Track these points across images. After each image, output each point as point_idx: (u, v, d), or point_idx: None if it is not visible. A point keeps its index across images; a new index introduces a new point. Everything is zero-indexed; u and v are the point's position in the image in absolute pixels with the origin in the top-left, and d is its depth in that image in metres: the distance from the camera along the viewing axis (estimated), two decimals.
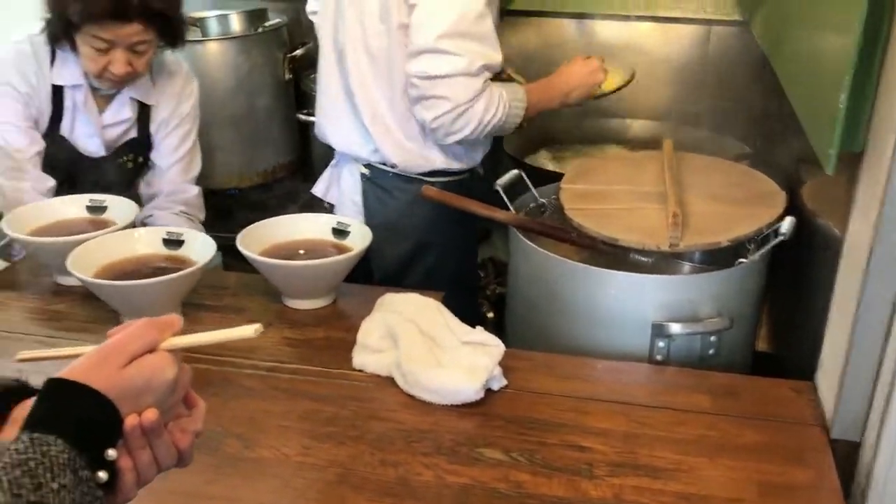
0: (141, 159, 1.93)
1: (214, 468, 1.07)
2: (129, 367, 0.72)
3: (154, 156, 1.95)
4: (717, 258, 1.51)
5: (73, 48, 1.71)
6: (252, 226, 1.49)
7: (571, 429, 1.16)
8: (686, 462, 1.09)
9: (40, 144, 1.80)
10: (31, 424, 0.65)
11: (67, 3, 1.63)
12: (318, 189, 1.95)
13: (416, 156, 1.74)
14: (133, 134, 1.89)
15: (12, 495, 0.59)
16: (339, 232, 1.53)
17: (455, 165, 1.78)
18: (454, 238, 1.83)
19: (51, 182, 1.80)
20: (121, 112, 1.85)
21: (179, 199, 1.95)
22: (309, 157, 2.61)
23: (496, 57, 1.60)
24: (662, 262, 1.51)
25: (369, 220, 1.79)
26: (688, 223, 1.43)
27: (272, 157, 2.51)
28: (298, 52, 2.48)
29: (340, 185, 1.88)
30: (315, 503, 1.02)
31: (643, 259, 1.48)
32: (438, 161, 1.75)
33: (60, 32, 1.69)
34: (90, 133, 1.84)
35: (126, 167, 1.91)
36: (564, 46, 2.43)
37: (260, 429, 1.16)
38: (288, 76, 2.47)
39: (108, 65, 1.69)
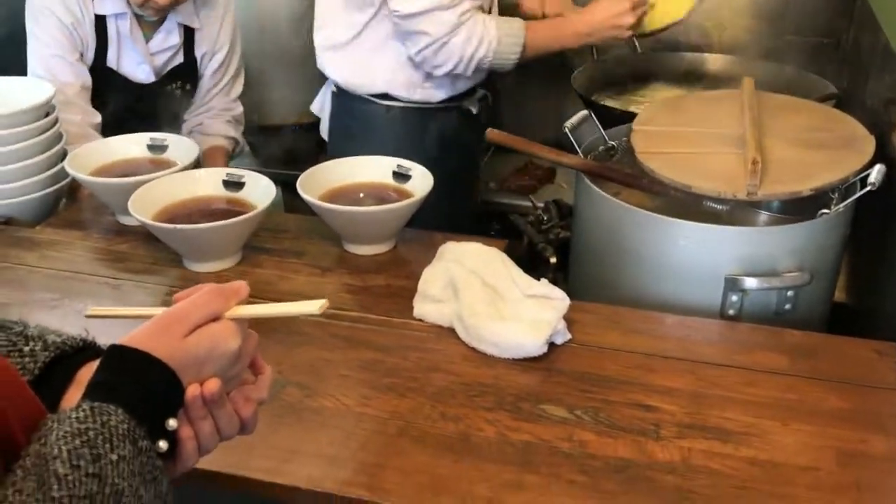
0: (189, 86, 1.94)
1: (275, 417, 1.07)
2: (192, 336, 0.70)
3: (200, 83, 1.97)
4: (796, 207, 1.43)
5: None
6: (312, 169, 1.46)
7: (637, 387, 1.12)
8: (758, 425, 1.05)
9: (87, 78, 1.80)
10: (91, 392, 0.64)
11: None
12: (315, 106, 1.99)
13: (361, 75, 1.77)
14: (179, 59, 1.89)
15: (71, 466, 0.58)
16: (400, 175, 1.49)
17: (404, 94, 1.77)
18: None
19: (98, 118, 1.82)
20: (168, 38, 1.85)
21: (227, 114, 2.01)
22: None
23: None
24: (737, 210, 1.44)
25: (330, 137, 1.90)
26: (767, 169, 1.34)
27: None
28: None
29: (323, 102, 1.95)
30: (376, 456, 1.01)
31: (717, 207, 1.41)
32: (380, 83, 1.77)
33: None
34: (138, 61, 1.84)
35: (175, 95, 1.91)
36: None
37: (320, 377, 1.15)
38: None
39: None
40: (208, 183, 1.46)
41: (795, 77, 1.99)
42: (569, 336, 1.19)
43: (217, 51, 1.94)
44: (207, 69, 1.95)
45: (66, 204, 1.70)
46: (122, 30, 1.79)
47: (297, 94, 2.38)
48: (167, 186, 1.43)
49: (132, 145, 1.62)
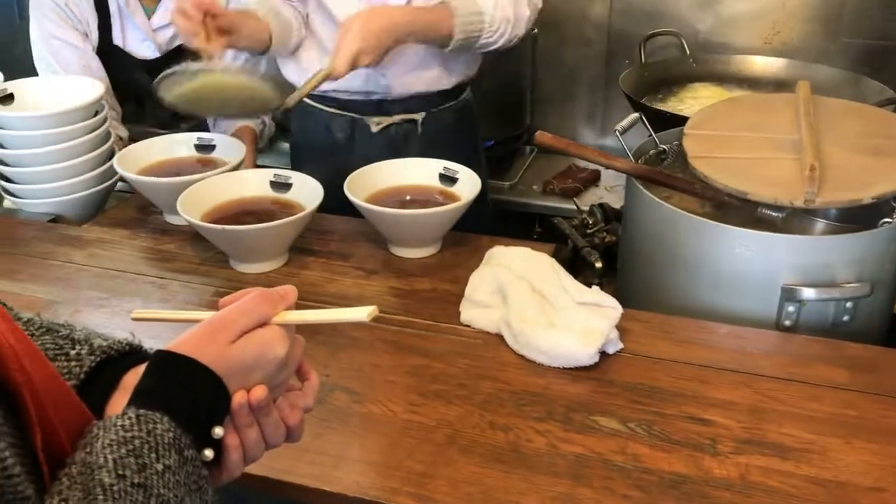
0: None
1: (323, 422, 1.06)
2: (239, 343, 0.68)
3: None
4: (854, 216, 1.39)
5: None
6: (359, 170, 1.45)
7: (692, 399, 1.09)
8: (819, 442, 1.01)
9: (90, 59, 1.81)
10: (137, 399, 0.63)
11: None
12: None
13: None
14: None
15: (117, 475, 0.57)
16: (447, 178, 1.47)
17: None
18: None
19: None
20: (168, 14, 1.83)
21: None
22: None
23: None
24: (792, 219, 1.40)
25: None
26: (825, 176, 1.30)
27: None
28: None
29: None
30: (424, 465, 0.99)
31: (772, 214, 1.37)
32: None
33: None
34: (141, 37, 1.84)
35: None
36: None
37: (368, 382, 1.14)
38: None
39: None
40: (256, 184, 1.46)
41: (851, 81, 1.94)
42: (621, 346, 1.17)
43: None
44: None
45: (112, 202, 1.71)
46: (121, 4, 1.79)
47: None
48: (215, 187, 1.43)
49: (179, 145, 1.63)
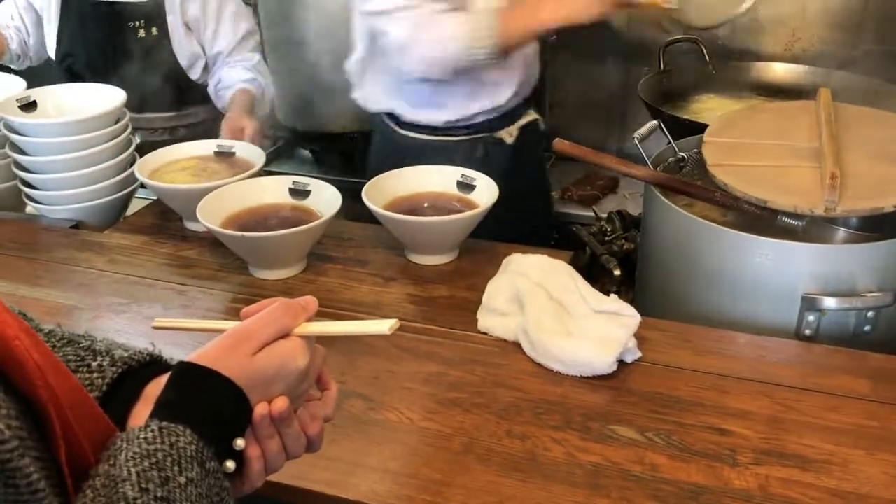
0: (155, 31, 1.96)
1: (338, 429, 1.06)
2: (261, 355, 0.69)
3: (206, 40, 2.00)
4: (876, 224, 1.37)
5: None
6: (377, 177, 1.46)
7: (711, 409, 1.08)
8: (840, 454, 1.00)
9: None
10: (160, 410, 0.64)
11: None
12: None
13: (368, 94, 1.72)
14: None
15: (140, 489, 0.57)
16: (465, 185, 1.47)
17: (408, 112, 1.69)
18: None
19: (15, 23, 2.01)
20: None
21: (246, 63, 2.01)
22: None
23: None
24: (813, 227, 1.39)
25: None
26: (846, 184, 1.29)
27: None
28: None
29: None
30: (441, 473, 0.99)
31: (793, 223, 1.36)
32: (383, 102, 1.70)
33: None
34: None
35: (138, 35, 1.93)
36: None
37: (384, 389, 1.14)
38: None
39: None
40: (274, 191, 1.47)
41: (873, 88, 1.92)
42: (639, 354, 1.16)
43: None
44: (182, 14, 1.97)
45: (133, 208, 1.72)
46: None
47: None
48: (234, 193, 1.44)
49: (200, 151, 1.63)
